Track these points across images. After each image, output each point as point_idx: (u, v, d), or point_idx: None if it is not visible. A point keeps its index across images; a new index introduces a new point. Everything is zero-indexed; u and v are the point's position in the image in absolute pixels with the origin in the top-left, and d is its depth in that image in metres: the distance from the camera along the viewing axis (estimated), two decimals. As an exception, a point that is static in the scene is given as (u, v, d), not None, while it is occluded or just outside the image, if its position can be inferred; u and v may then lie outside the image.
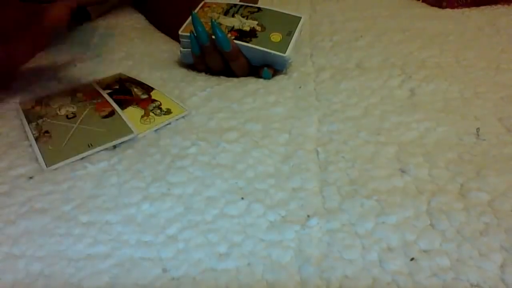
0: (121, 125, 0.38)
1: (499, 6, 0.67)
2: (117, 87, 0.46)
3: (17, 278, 0.25)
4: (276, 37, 0.44)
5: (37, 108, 0.42)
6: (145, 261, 0.26)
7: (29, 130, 0.38)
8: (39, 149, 0.35)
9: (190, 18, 0.48)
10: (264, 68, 0.47)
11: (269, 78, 0.47)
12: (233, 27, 0.45)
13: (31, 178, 0.33)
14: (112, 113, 0.40)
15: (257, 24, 0.46)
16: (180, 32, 0.48)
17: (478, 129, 0.37)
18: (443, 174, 0.32)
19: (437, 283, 0.24)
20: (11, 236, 0.28)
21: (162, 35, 0.65)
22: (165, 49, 0.59)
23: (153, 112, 0.41)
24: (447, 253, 0.26)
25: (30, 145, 0.37)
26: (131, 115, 0.40)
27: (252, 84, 0.48)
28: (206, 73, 0.50)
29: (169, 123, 0.40)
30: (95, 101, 0.42)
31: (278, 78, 0.49)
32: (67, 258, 0.26)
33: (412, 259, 0.25)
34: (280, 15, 0.48)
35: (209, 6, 0.50)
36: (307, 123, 0.40)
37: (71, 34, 0.67)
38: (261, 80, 0.48)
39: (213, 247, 0.27)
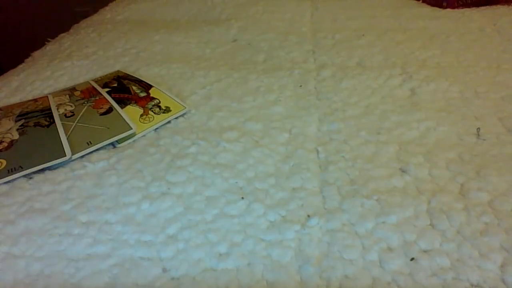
0: (119, 122, 0.38)
1: (499, 6, 0.67)
2: (115, 85, 0.46)
3: (17, 278, 0.25)
4: None
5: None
6: (145, 261, 0.26)
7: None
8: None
9: None
10: None
11: None
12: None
13: (30, 178, 0.33)
14: (110, 110, 0.40)
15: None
16: None
17: (478, 129, 0.37)
18: (443, 174, 0.32)
19: (437, 283, 0.24)
20: (10, 236, 0.28)
21: (153, 25, 0.65)
22: (157, 39, 0.60)
23: (152, 111, 0.41)
24: (447, 253, 0.26)
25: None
26: (130, 114, 0.40)
27: (252, 81, 0.47)
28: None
29: (169, 122, 0.40)
30: (93, 98, 0.42)
31: (279, 76, 0.49)
32: (67, 258, 0.26)
33: (412, 259, 0.25)
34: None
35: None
36: (307, 122, 0.40)
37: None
38: (261, 77, 0.48)
39: (213, 247, 0.27)
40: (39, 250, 0.27)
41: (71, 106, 0.41)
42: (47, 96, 0.44)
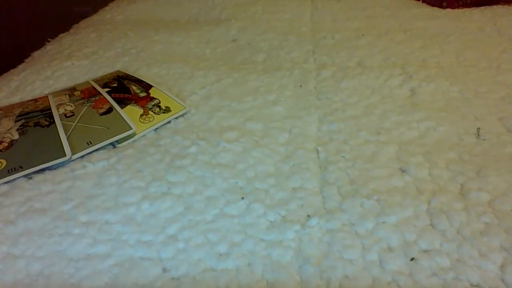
0: (119, 122, 0.38)
1: (499, 6, 0.67)
2: (115, 85, 0.46)
3: (17, 278, 0.25)
4: None
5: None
6: (145, 261, 0.26)
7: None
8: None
9: None
10: None
11: None
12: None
13: (30, 178, 0.33)
14: (110, 110, 0.40)
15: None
16: None
17: (478, 129, 0.37)
18: (443, 174, 0.32)
19: (437, 283, 0.24)
20: (10, 236, 0.28)
21: (153, 25, 0.65)
22: (158, 39, 0.60)
23: (152, 111, 0.41)
24: (447, 253, 0.26)
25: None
26: (130, 114, 0.40)
27: (252, 81, 0.47)
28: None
29: (169, 122, 0.40)
30: (93, 98, 0.42)
31: (279, 76, 0.49)
32: (67, 258, 0.26)
33: (412, 259, 0.25)
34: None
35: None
36: (307, 122, 0.40)
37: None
38: (261, 77, 0.48)
39: (213, 247, 0.27)
40: (39, 250, 0.27)
41: (71, 106, 0.41)
42: (47, 96, 0.44)
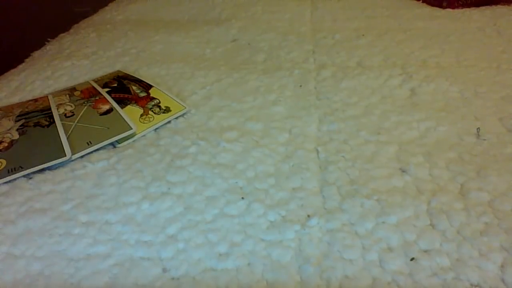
0: (119, 122, 0.38)
1: (499, 6, 0.67)
2: (115, 85, 0.46)
3: (17, 278, 0.25)
4: None
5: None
6: (145, 261, 0.26)
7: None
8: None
9: None
10: None
11: None
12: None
13: (30, 178, 0.33)
14: (110, 110, 0.40)
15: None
16: None
17: (478, 129, 0.37)
18: (443, 174, 0.32)
19: (437, 283, 0.24)
20: (10, 236, 0.28)
21: (153, 25, 0.65)
22: (158, 39, 0.60)
23: (152, 111, 0.41)
24: (447, 253, 0.26)
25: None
26: (130, 114, 0.40)
27: (252, 81, 0.47)
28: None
29: (169, 122, 0.40)
30: (93, 98, 0.42)
31: (279, 76, 0.49)
32: (67, 258, 0.26)
33: (412, 259, 0.25)
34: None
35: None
36: (307, 122, 0.40)
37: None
38: (261, 77, 0.48)
39: (213, 247, 0.27)
40: (39, 250, 0.27)
41: (71, 106, 0.41)
42: (47, 96, 0.44)
